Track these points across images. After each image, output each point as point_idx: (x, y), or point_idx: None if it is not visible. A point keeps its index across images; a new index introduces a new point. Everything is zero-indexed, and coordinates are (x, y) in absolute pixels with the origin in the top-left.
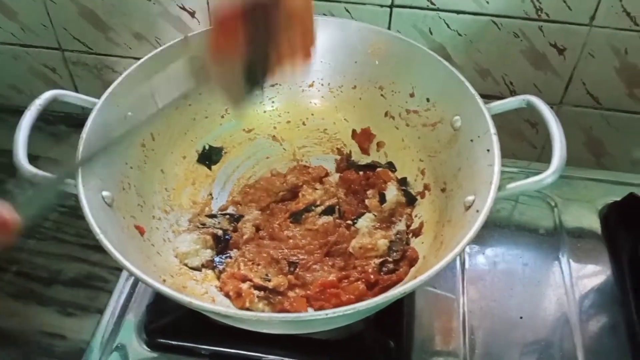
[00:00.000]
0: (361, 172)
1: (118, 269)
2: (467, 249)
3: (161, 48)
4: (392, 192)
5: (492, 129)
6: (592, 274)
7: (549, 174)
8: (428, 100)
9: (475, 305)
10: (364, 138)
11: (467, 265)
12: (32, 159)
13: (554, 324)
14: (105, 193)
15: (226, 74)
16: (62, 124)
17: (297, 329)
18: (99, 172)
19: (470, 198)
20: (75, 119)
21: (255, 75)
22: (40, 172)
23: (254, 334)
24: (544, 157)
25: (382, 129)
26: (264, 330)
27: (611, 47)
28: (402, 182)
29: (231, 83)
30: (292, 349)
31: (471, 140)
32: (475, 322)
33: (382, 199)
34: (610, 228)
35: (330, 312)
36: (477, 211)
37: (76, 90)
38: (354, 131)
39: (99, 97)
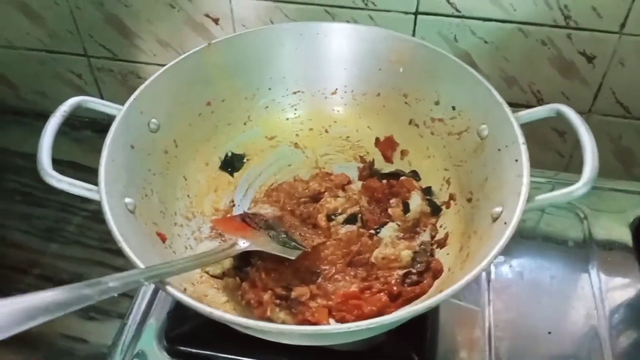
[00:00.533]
0: (384, 181)
1: None
2: (494, 268)
3: (185, 55)
4: (416, 202)
5: (521, 139)
6: (623, 288)
7: (581, 186)
8: (454, 108)
9: (500, 318)
10: (387, 146)
11: (492, 277)
12: (57, 163)
13: (582, 339)
14: (127, 200)
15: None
16: (87, 129)
17: (319, 341)
18: (121, 178)
19: (498, 209)
20: (100, 125)
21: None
22: (64, 178)
23: (275, 344)
24: (572, 166)
25: (406, 137)
26: (285, 342)
27: None
28: (427, 192)
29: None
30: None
31: (499, 150)
32: (500, 336)
33: (406, 208)
34: None
35: (353, 326)
36: (505, 223)
37: (101, 96)
38: (377, 139)
39: (123, 103)
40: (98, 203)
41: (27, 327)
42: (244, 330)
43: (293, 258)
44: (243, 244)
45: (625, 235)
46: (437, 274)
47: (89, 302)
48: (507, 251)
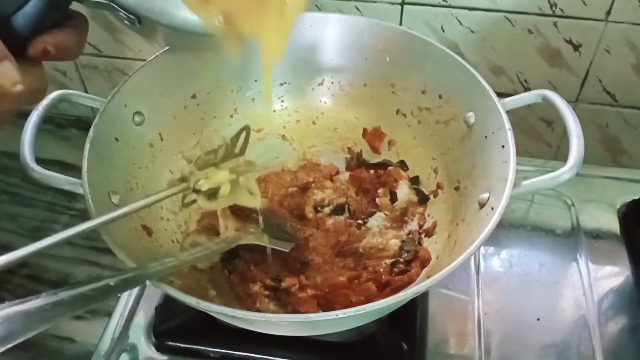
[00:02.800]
0: (372, 171)
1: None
2: (482, 250)
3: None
4: (404, 191)
5: (507, 125)
6: (611, 275)
7: (566, 170)
8: (440, 97)
9: (490, 307)
10: (374, 137)
11: (482, 267)
12: (43, 161)
13: (571, 325)
14: (112, 193)
15: None
16: (73, 127)
17: (307, 331)
18: (105, 171)
19: (485, 195)
20: (86, 123)
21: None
22: (46, 172)
23: (264, 336)
24: (560, 155)
25: (394, 127)
26: (274, 332)
27: (627, 43)
28: (414, 181)
29: None
30: (303, 351)
31: (485, 137)
32: (490, 324)
33: (394, 197)
34: (629, 227)
35: (341, 313)
36: (492, 209)
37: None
38: (364, 130)
39: None
40: (85, 202)
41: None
42: (232, 320)
43: (287, 250)
44: (236, 237)
45: (613, 223)
46: (424, 262)
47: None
48: (497, 241)
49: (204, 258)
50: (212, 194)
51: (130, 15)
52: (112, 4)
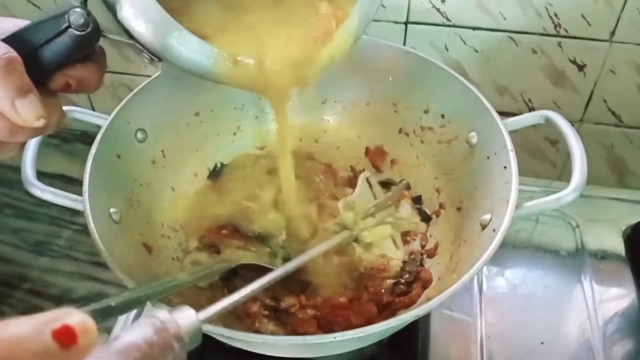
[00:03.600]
0: None
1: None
2: (485, 271)
3: None
4: (406, 211)
5: (509, 145)
6: (616, 297)
7: (569, 192)
8: (443, 116)
9: (493, 330)
10: (377, 156)
11: (484, 288)
12: (47, 175)
13: (576, 350)
14: (112, 210)
15: None
16: (78, 142)
17: (307, 352)
18: (107, 188)
19: (487, 217)
20: (91, 137)
21: None
22: (47, 188)
23: (264, 357)
24: (565, 175)
25: (396, 146)
26: (273, 354)
27: (632, 63)
28: (417, 201)
29: None
30: None
31: (487, 158)
32: (493, 347)
33: None
34: (635, 249)
35: (339, 336)
36: (494, 230)
37: (93, 109)
38: (367, 149)
39: None
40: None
41: None
42: (229, 342)
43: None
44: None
45: (618, 244)
46: (426, 283)
47: None
48: (500, 262)
49: (205, 278)
50: (368, 243)
51: (153, 57)
52: (137, 45)
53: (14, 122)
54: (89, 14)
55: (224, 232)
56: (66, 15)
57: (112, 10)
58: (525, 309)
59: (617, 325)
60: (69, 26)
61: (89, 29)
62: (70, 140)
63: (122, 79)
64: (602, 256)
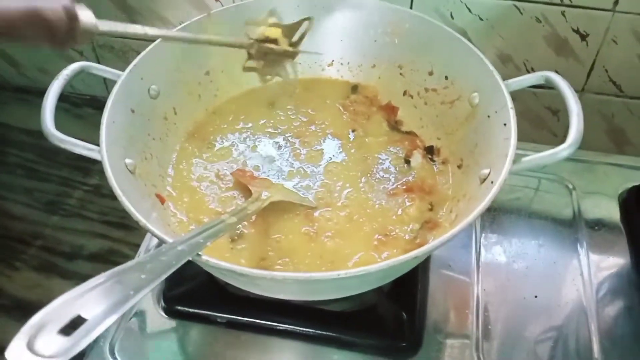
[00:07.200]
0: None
1: (138, 245)
2: (484, 239)
3: (185, 24)
4: (417, 160)
5: (510, 103)
6: (610, 257)
7: (565, 147)
8: (446, 78)
9: (489, 285)
10: (389, 111)
11: (482, 252)
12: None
13: (569, 304)
14: (128, 160)
15: None
16: (88, 106)
17: (311, 293)
18: (122, 140)
19: (486, 171)
20: (100, 102)
21: None
22: (66, 137)
23: (270, 303)
24: None
25: (401, 107)
26: (279, 295)
27: (634, 33)
28: (429, 150)
29: None
30: (306, 320)
31: (488, 116)
32: (489, 301)
33: (407, 165)
34: (629, 212)
35: (342, 273)
36: (492, 182)
37: None
38: (380, 104)
39: None
40: (98, 177)
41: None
42: (238, 282)
43: (315, 205)
44: (266, 195)
45: (614, 209)
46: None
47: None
48: (498, 228)
49: (244, 218)
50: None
51: None
52: None
53: None
54: None
55: (248, 173)
56: None
57: None
58: (520, 265)
59: (609, 284)
60: None
61: None
62: (79, 104)
63: (132, 43)
64: (598, 220)
